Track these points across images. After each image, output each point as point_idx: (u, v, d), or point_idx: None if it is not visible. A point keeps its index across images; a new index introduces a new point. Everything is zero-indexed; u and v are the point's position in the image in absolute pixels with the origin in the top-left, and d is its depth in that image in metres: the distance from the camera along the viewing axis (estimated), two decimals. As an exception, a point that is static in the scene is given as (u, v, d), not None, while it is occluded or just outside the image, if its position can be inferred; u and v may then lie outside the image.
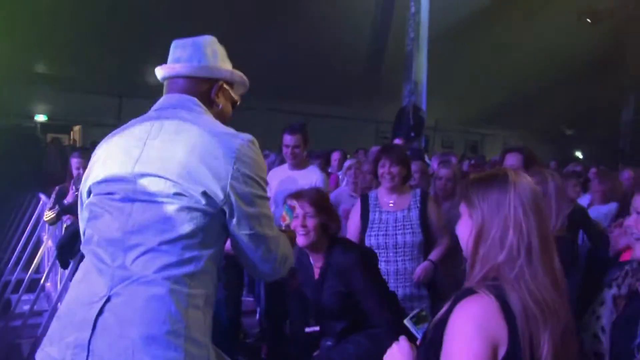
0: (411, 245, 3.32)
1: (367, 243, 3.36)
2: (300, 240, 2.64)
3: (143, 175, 1.56)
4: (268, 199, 1.68)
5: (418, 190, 3.51)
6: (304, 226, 2.63)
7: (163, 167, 1.54)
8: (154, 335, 1.43)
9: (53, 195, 4.36)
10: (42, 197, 5.22)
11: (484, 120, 19.65)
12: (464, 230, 1.44)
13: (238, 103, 1.88)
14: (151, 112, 1.72)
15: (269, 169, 5.22)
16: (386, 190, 3.47)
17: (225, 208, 1.55)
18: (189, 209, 1.52)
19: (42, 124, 14.34)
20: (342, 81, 15.12)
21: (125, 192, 1.58)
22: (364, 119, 17.73)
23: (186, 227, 1.51)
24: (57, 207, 4.18)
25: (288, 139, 3.93)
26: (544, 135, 21.13)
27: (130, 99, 14.73)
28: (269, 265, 1.69)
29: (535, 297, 1.31)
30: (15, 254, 5.46)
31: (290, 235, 2.25)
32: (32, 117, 14.12)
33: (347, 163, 4.44)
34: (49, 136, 13.92)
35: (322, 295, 2.64)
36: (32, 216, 5.57)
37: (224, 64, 1.80)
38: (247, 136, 1.63)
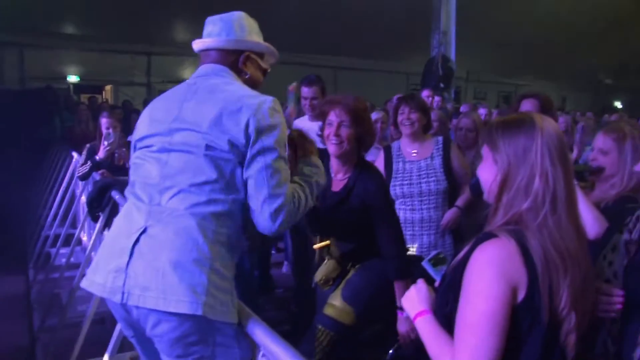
0: (435, 193, 3.32)
1: (392, 193, 3.36)
2: (332, 150, 2.54)
3: (178, 130, 1.79)
4: (284, 156, 1.79)
5: (440, 138, 3.49)
6: (337, 135, 2.51)
7: (195, 122, 1.76)
8: (182, 261, 1.64)
9: (84, 153, 4.46)
10: (75, 155, 5.35)
11: (518, 71, 19.13)
12: (488, 175, 1.42)
13: (268, 71, 2.09)
14: (189, 79, 1.97)
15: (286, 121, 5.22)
16: (408, 139, 3.45)
17: (247, 158, 1.74)
18: (216, 158, 1.73)
19: (74, 84, 14.51)
20: (370, 33, 14.82)
21: (162, 144, 1.81)
22: (394, 71, 17.44)
23: (212, 174, 1.72)
24: (88, 163, 4.28)
25: (305, 91, 3.93)
26: (582, 84, 20.52)
27: (158, 57, 14.84)
28: (272, 208, 1.72)
29: (557, 244, 1.30)
30: (53, 210, 5.67)
31: (311, 148, 2.14)
32: (65, 79, 14.29)
33: (374, 116, 4.38)
34: (83, 97, 14.22)
35: (338, 210, 2.56)
36: (66, 173, 5.74)
37: (251, 37, 1.99)
38: (269, 97, 1.82)
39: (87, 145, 4.51)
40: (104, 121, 4.33)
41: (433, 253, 1.73)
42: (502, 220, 1.36)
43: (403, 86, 17.45)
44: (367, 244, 2.57)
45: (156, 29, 13.70)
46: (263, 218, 1.75)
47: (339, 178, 2.63)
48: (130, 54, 14.52)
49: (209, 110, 1.76)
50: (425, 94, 6.60)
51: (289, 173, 1.82)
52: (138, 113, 7.86)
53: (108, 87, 15.47)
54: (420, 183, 3.33)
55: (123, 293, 1.65)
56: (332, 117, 2.55)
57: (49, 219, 5.71)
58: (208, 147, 1.73)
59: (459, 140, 4.07)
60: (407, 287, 2.45)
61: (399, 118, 3.43)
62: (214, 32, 1.97)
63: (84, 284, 1.78)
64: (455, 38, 10.84)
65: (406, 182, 3.36)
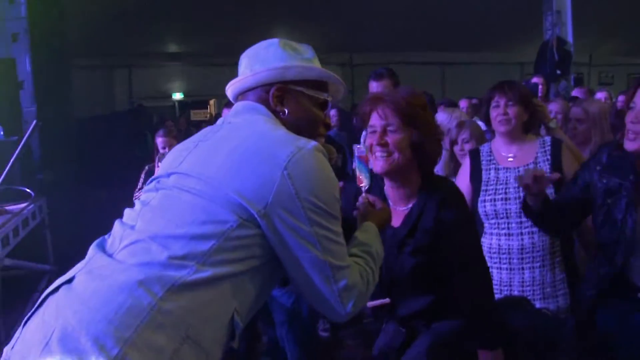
0: (540, 212, 2.49)
1: (480, 211, 2.61)
2: (378, 166, 1.85)
3: (176, 173, 1.38)
4: (332, 217, 1.33)
5: (548, 138, 2.65)
6: (382, 144, 1.83)
7: (197, 167, 1.35)
8: (77, 333, 1.11)
9: (142, 175, 4.11)
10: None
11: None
12: None
13: (329, 101, 1.61)
14: (219, 120, 1.62)
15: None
16: (502, 139, 2.66)
17: (264, 222, 1.27)
18: (208, 211, 1.26)
19: (179, 101, 14.84)
20: (477, 23, 13.78)
21: (156, 184, 1.42)
22: (506, 62, 16.13)
23: (195, 228, 1.24)
24: (145, 187, 3.92)
25: (374, 85, 3.26)
26: None
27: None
28: (330, 301, 1.34)
29: None
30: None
31: (383, 215, 1.72)
32: (170, 97, 14.66)
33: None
34: (192, 113, 14.60)
35: (400, 253, 1.86)
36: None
37: (285, 63, 1.52)
38: (310, 142, 1.35)
39: (146, 167, 4.15)
40: (159, 140, 3.95)
41: None
42: None
43: (517, 78, 16.07)
44: (441, 299, 1.86)
45: (256, 39, 13.65)
46: (329, 303, 1.34)
47: (400, 208, 1.93)
48: (232, 66, 14.61)
49: (219, 155, 1.33)
50: (534, 81, 5.64)
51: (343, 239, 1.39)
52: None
53: (212, 102, 15.69)
54: (519, 198, 2.51)
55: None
56: (375, 119, 1.86)
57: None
58: (202, 193, 1.28)
59: (568, 135, 3.21)
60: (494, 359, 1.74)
61: (492, 113, 2.64)
62: (240, 73, 1.58)
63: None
64: (571, 18, 9.57)
65: (500, 196, 2.57)
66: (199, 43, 13.72)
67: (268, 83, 1.51)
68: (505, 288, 2.52)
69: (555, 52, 9.02)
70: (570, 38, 9.37)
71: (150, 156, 8.68)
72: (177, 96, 14.78)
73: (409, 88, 1.90)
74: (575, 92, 6.09)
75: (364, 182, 1.80)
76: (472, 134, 3.14)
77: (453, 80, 15.08)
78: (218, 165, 1.31)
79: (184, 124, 7.41)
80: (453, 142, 3.18)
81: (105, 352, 1.07)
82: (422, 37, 13.80)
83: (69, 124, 6.70)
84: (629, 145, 1.92)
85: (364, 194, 1.77)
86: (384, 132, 1.83)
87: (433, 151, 1.88)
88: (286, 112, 1.51)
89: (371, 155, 1.86)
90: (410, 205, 1.89)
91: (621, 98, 6.10)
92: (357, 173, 1.82)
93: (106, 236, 1.39)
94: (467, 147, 3.09)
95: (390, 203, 1.96)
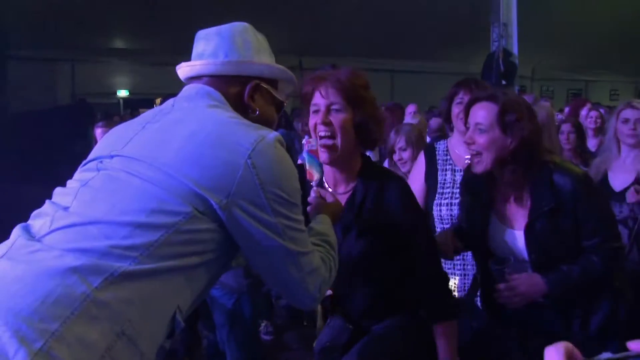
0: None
1: (435, 214, 2.57)
2: (323, 149, 1.77)
3: (120, 155, 1.27)
4: (295, 206, 1.31)
5: (505, 141, 2.66)
6: (325, 123, 1.76)
7: (148, 152, 1.24)
8: None
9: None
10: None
11: (589, 66, 17.72)
12: None
13: (285, 105, 1.57)
14: (168, 101, 1.45)
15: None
16: (462, 138, 2.64)
17: (224, 214, 1.20)
18: (160, 199, 1.16)
19: (124, 99, 14.39)
20: (427, 32, 14.03)
21: (96, 165, 1.29)
22: (456, 72, 16.47)
23: (143, 217, 1.14)
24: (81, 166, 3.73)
25: None
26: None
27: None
28: (299, 287, 1.34)
29: None
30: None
31: (335, 208, 1.71)
32: (115, 93, 14.20)
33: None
34: (141, 111, 14.17)
35: (344, 239, 1.80)
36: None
37: (259, 58, 1.48)
38: (271, 132, 1.31)
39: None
40: (99, 131, 3.77)
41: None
42: None
43: (464, 88, 16.42)
44: (390, 288, 1.83)
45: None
46: (299, 290, 1.33)
47: (340, 192, 1.88)
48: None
49: (174, 139, 1.24)
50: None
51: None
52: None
53: (158, 100, 15.31)
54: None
55: None
56: (318, 99, 1.78)
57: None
58: (154, 179, 1.19)
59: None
60: (451, 333, 1.69)
61: (455, 110, 2.60)
62: (207, 52, 1.46)
63: None
64: (517, 31, 9.85)
65: (457, 200, 2.52)
66: (147, 40, 13.38)
67: (246, 76, 1.44)
68: (460, 293, 2.48)
69: (501, 63, 9.25)
70: (515, 50, 9.62)
71: (90, 152, 8.41)
72: (122, 93, 14.34)
73: (349, 68, 1.84)
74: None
75: (315, 176, 1.75)
76: (408, 141, 3.10)
77: (402, 88, 15.24)
78: (174, 152, 1.21)
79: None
80: (391, 151, 3.14)
81: (27, 345, 0.94)
82: (372, 44, 13.96)
83: (3, 116, 6.37)
84: (476, 168, 1.97)
85: (315, 188, 1.74)
86: (328, 111, 1.77)
87: (375, 132, 1.84)
88: (257, 112, 1.44)
89: (314, 136, 1.79)
90: (350, 188, 1.86)
91: (567, 109, 6.30)
92: (307, 167, 1.77)
93: (32, 216, 1.27)
94: (405, 155, 3.06)
95: (329, 187, 1.90)
